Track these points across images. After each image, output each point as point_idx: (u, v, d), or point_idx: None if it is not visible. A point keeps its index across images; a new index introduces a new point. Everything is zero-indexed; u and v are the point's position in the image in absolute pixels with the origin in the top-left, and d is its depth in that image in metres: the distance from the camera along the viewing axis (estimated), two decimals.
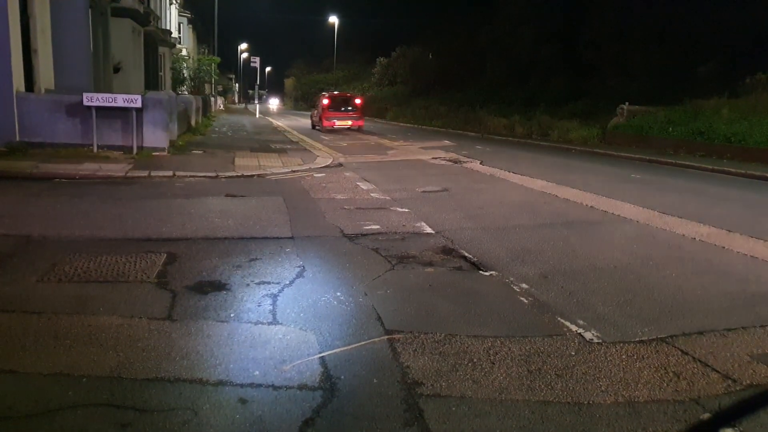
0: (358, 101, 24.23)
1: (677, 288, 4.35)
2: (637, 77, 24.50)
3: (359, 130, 23.47)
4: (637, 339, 3.24)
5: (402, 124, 35.35)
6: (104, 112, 10.34)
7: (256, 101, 40.46)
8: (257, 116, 35.58)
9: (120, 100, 10.39)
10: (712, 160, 14.74)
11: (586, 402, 2.53)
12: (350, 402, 2.42)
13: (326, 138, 19.38)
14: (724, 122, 16.64)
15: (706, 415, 2.48)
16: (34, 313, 3.20)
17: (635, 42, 25.34)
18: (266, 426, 2.21)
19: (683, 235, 6.18)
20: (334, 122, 22.64)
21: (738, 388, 2.73)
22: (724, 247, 5.68)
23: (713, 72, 21.28)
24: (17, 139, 9.95)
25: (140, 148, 10.69)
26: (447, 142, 19.85)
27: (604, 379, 2.74)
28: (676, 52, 23.40)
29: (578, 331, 3.31)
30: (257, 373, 2.63)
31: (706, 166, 13.67)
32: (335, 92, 29.08)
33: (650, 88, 22.69)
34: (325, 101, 23.07)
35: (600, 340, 3.20)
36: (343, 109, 23.31)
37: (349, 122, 23.07)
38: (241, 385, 2.52)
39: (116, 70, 17.87)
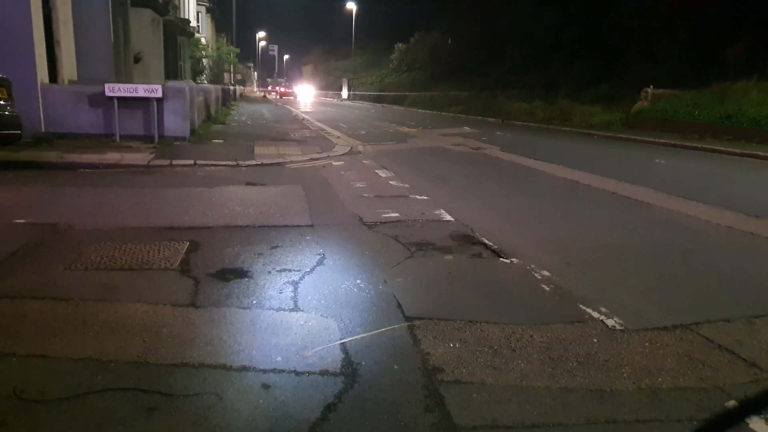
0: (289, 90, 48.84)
1: (702, 275, 4.27)
2: (661, 60, 23.85)
3: (364, 119, 23.46)
4: (661, 326, 3.19)
5: (421, 110, 35.12)
6: (126, 102, 10.48)
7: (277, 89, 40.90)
8: (276, 105, 35.69)
9: (141, 90, 10.51)
10: (740, 144, 14.34)
11: (608, 389, 2.51)
12: (371, 388, 2.44)
13: (345, 126, 19.37)
14: (753, 105, 16.16)
15: (732, 403, 2.44)
16: (63, 300, 3.29)
17: (660, 24, 24.64)
18: (289, 410, 2.24)
19: (708, 221, 6.05)
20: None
21: (765, 376, 2.67)
22: (751, 233, 5.54)
23: (741, 54, 20.58)
24: (42, 129, 10.16)
25: (161, 137, 10.83)
26: (467, 129, 19.67)
27: (627, 367, 2.71)
28: (703, 34, 22.68)
29: (600, 319, 3.27)
30: (279, 359, 2.67)
31: (734, 150, 13.30)
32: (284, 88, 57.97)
33: (675, 71, 22.06)
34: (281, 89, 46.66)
35: (622, 328, 3.16)
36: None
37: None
38: (264, 371, 2.55)
39: (137, 60, 18.06)
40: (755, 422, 2.17)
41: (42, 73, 10.32)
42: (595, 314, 3.33)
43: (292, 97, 54.96)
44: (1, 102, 8.16)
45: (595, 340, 3.00)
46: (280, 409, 2.25)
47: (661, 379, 2.61)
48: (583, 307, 3.44)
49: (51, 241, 4.53)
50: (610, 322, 3.22)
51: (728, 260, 4.73)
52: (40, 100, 10.14)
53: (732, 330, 3.18)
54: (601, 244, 5.06)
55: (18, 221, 5.08)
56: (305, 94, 58.37)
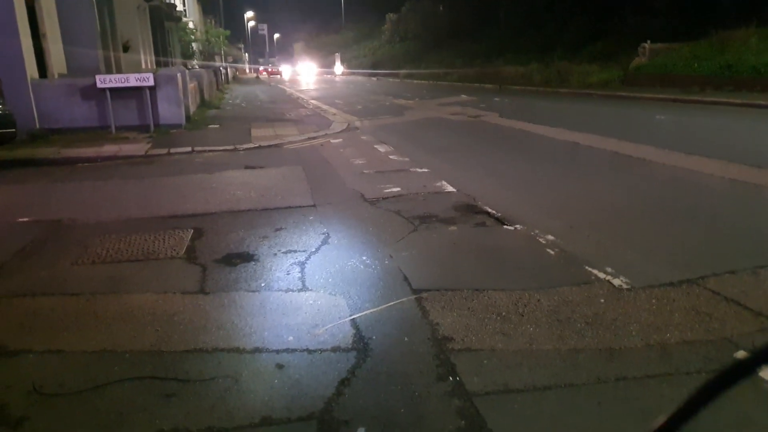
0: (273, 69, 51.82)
1: (706, 229, 4.27)
2: (658, 13, 23.33)
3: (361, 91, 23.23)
4: (667, 282, 3.21)
5: (416, 81, 34.68)
6: (118, 92, 10.38)
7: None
8: (269, 85, 35.32)
9: (132, 80, 10.40)
10: (742, 94, 14.14)
11: (617, 348, 2.54)
12: (383, 361, 2.48)
13: (340, 102, 19.19)
14: (753, 53, 15.88)
15: (741, 353, 2.47)
16: (73, 295, 3.32)
17: None
18: (304, 389, 2.29)
19: (711, 174, 6.02)
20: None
21: None
22: (755, 185, 5.52)
23: (739, 2, 20.10)
24: (37, 126, 10.10)
25: (157, 126, 10.77)
26: (464, 97, 19.46)
27: (635, 324, 2.74)
28: None
29: (606, 279, 3.29)
30: (291, 338, 2.70)
31: (735, 101, 13.14)
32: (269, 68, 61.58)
33: (673, 23, 21.60)
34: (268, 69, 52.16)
35: (629, 286, 3.18)
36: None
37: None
38: (277, 351, 2.59)
39: (125, 49, 17.83)
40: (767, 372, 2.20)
41: (31, 69, 10.21)
42: (601, 275, 3.35)
43: (278, 76, 55.11)
44: None
45: (602, 300, 3.03)
46: (295, 387, 2.29)
47: (669, 335, 2.64)
48: (589, 269, 3.45)
49: (56, 237, 4.55)
50: (616, 282, 3.24)
51: (732, 212, 4.72)
52: (32, 96, 10.05)
53: (738, 281, 3.20)
54: (605, 205, 5.05)
55: (22, 220, 5.10)
56: (305, 73, 57.55)
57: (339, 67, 56.22)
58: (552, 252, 3.81)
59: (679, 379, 2.30)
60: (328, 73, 56.80)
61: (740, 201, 5.14)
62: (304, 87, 32.92)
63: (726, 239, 4.01)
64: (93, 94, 10.36)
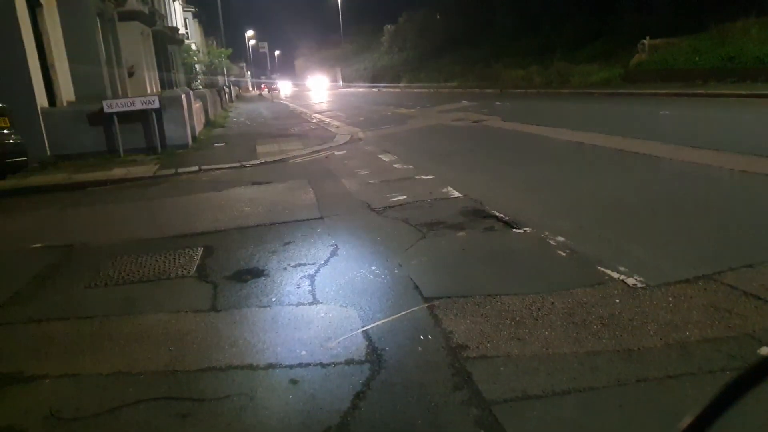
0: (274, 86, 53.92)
1: (720, 223, 4.21)
2: (656, 8, 23.31)
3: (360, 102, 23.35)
4: (683, 279, 3.16)
5: (417, 89, 34.80)
6: (125, 116, 10.51)
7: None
8: (272, 102, 35.61)
9: (138, 103, 10.53)
10: (746, 85, 14.04)
11: (635, 348, 2.50)
12: (398, 372, 2.45)
13: (342, 114, 19.29)
14: (755, 43, 15.79)
15: (765, 349, 2.41)
16: (87, 318, 3.33)
17: None
18: (319, 403, 2.26)
19: (721, 167, 5.95)
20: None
21: None
22: (766, 175, 5.45)
23: None
24: (48, 153, 10.24)
25: (164, 147, 10.87)
26: (465, 103, 19.48)
27: (652, 324, 2.70)
28: None
29: (620, 278, 3.25)
30: (304, 353, 2.69)
31: (739, 92, 13.04)
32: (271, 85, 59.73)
33: (672, 18, 21.58)
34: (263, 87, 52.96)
35: (644, 285, 3.13)
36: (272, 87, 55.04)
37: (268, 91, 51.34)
38: (291, 366, 2.58)
39: (130, 74, 18.09)
40: None
41: (41, 98, 10.38)
42: (615, 274, 3.31)
43: (276, 91, 55.72)
44: (5, 131, 8.23)
45: (617, 300, 2.98)
46: (310, 403, 2.27)
47: (688, 333, 2.59)
48: (602, 269, 3.41)
49: (69, 261, 4.58)
50: (630, 281, 3.20)
51: (745, 205, 4.66)
52: (42, 124, 10.21)
53: (756, 275, 3.14)
54: (614, 203, 5.00)
55: (35, 246, 5.15)
56: (315, 87, 57.93)
57: (339, 81, 57.04)
58: (563, 253, 3.77)
59: (702, 378, 2.25)
60: (333, 87, 57.37)
61: (752, 193, 5.08)
62: (306, 101, 33.14)
63: (740, 232, 3.95)
64: (100, 119, 10.50)
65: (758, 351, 2.41)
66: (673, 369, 2.32)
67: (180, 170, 8.83)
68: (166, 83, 24.09)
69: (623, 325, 2.71)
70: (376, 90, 42.19)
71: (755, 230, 3.97)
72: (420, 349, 2.64)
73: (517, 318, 2.87)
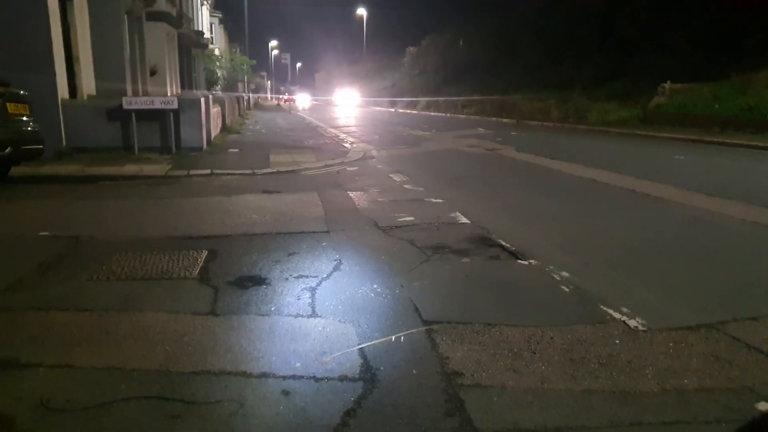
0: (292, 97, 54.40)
1: (726, 272, 4.18)
2: (679, 53, 23.45)
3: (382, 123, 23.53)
4: (685, 326, 3.13)
5: (434, 113, 35.09)
6: (143, 114, 10.67)
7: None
8: (290, 113, 35.99)
9: (157, 103, 10.69)
10: (764, 136, 14.02)
11: (631, 391, 2.47)
12: (391, 393, 2.43)
13: (357, 131, 19.44)
14: None
15: (764, 404, 2.38)
16: (87, 311, 3.35)
17: (676, 15, 24.23)
18: (309, 416, 2.25)
19: (732, 216, 5.93)
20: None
21: None
22: None
23: (762, 43, 20.13)
24: (64, 144, 10.39)
25: (179, 148, 11.00)
26: (481, 130, 19.59)
27: (651, 368, 2.67)
28: (720, 23, 22.22)
29: (622, 319, 3.22)
30: (299, 365, 2.68)
31: (757, 144, 13.02)
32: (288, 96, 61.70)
33: (693, 64, 21.67)
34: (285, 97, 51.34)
35: (645, 328, 3.11)
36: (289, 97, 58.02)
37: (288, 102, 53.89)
38: (284, 377, 2.57)
39: (152, 73, 18.40)
40: None
41: (62, 90, 10.57)
42: (617, 314, 3.28)
43: (294, 102, 56.82)
44: (24, 118, 8.36)
45: (617, 341, 2.96)
46: (300, 415, 2.26)
47: (686, 380, 2.56)
48: (604, 308, 3.39)
49: (74, 252, 4.62)
50: (632, 323, 3.17)
51: (753, 257, 4.63)
52: (61, 115, 10.38)
53: (760, 328, 3.11)
54: (621, 243, 4.98)
55: (43, 234, 5.20)
56: (344, 103, 58.67)
57: (357, 98, 58.05)
58: (566, 289, 3.75)
59: (697, 427, 2.22)
60: (346, 103, 58.17)
61: (761, 245, 5.04)
62: (322, 116, 33.47)
63: (747, 284, 3.92)
64: (118, 115, 10.66)
65: (756, 405, 2.38)
66: (668, 415, 2.29)
67: (192, 172, 8.92)
68: (186, 85, 24.47)
69: (621, 367, 2.68)
70: (393, 110, 42.59)
71: (762, 283, 3.93)
72: (415, 371, 2.63)
73: (515, 349, 2.85)
